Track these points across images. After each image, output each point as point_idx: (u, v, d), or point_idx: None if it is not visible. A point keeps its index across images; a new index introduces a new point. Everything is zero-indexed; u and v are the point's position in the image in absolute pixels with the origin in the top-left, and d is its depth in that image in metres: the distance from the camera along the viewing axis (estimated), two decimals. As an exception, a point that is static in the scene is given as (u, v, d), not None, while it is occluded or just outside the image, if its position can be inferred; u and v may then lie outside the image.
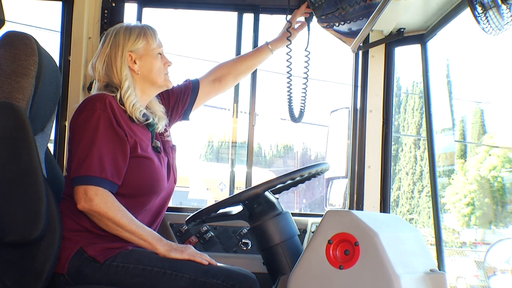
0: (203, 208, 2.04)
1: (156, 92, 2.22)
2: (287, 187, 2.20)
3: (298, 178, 2.03)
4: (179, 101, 2.37)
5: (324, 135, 2.89)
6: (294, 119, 2.58)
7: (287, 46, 2.55)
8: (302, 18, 2.58)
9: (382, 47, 2.58)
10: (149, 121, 2.12)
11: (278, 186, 2.05)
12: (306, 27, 2.59)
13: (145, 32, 2.14)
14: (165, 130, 2.24)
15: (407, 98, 27.45)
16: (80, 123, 1.99)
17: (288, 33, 2.52)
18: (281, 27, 2.57)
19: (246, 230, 2.57)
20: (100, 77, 2.12)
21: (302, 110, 2.57)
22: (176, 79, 2.39)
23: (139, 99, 2.11)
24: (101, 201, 1.91)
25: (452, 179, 23.55)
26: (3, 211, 1.84)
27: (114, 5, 2.68)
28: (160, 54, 2.17)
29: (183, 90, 2.39)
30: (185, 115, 2.42)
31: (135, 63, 2.12)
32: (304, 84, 2.55)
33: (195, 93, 2.41)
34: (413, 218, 25.07)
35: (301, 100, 2.57)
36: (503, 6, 1.71)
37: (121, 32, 2.13)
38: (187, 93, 2.39)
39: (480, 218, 22.58)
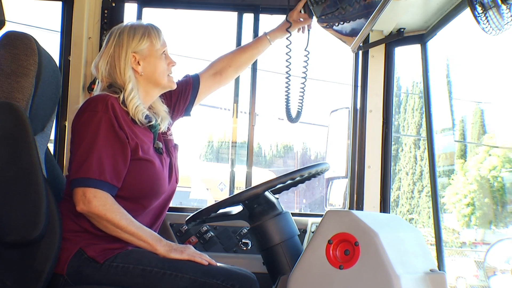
0: (203, 208, 2.04)
1: (159, 93, 2.20)
2: (287, 187, 2.20)
3: (298, 178, 2.03)
4: (180, 98, 2.35)
5: (324, 135, 2.89)
6: (291, 119, 2.57)
7: (286, 46, 2.55)
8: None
9: (382, 47, 2.58)
10: (151, 123, 2.11)
11: (278, 186, 2.04)
12: (306, 26, 2.58)
13: (149, 32, 2.12)
14: (168, 129, 2.22)
15: (407, 98, 27.47)
16: (81, 124, 1.99)
17: (287, 24, 2.50)
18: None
19: (246, 230, 2.56)
20: (103, 77, 2.10)
21: (299, 111, 2.57)
22: (176, 79, 2.38)
23: (142, 100, 2.10)
24: (99, 203, 1.90)
25: (452, 179, 23.55)
26: (3, 211, 1.84)
27: (114, 5, 2.68)
28: (164, 54, 2.15)
29: (184, 87, 2.37)
30: (186, 111, 2.40)
31: (139, 64, 2.10)
32: (302, 84, 2.55)
33: (196, 88, 2.39)
34: (413, 218, 25.07)
35: (299, 100, 2.57)
36: (503, 6, 1.71)
37: (125, 32, 2.10)
38: (188, 89, 2.37)
39: (480, 218, 22.58)
